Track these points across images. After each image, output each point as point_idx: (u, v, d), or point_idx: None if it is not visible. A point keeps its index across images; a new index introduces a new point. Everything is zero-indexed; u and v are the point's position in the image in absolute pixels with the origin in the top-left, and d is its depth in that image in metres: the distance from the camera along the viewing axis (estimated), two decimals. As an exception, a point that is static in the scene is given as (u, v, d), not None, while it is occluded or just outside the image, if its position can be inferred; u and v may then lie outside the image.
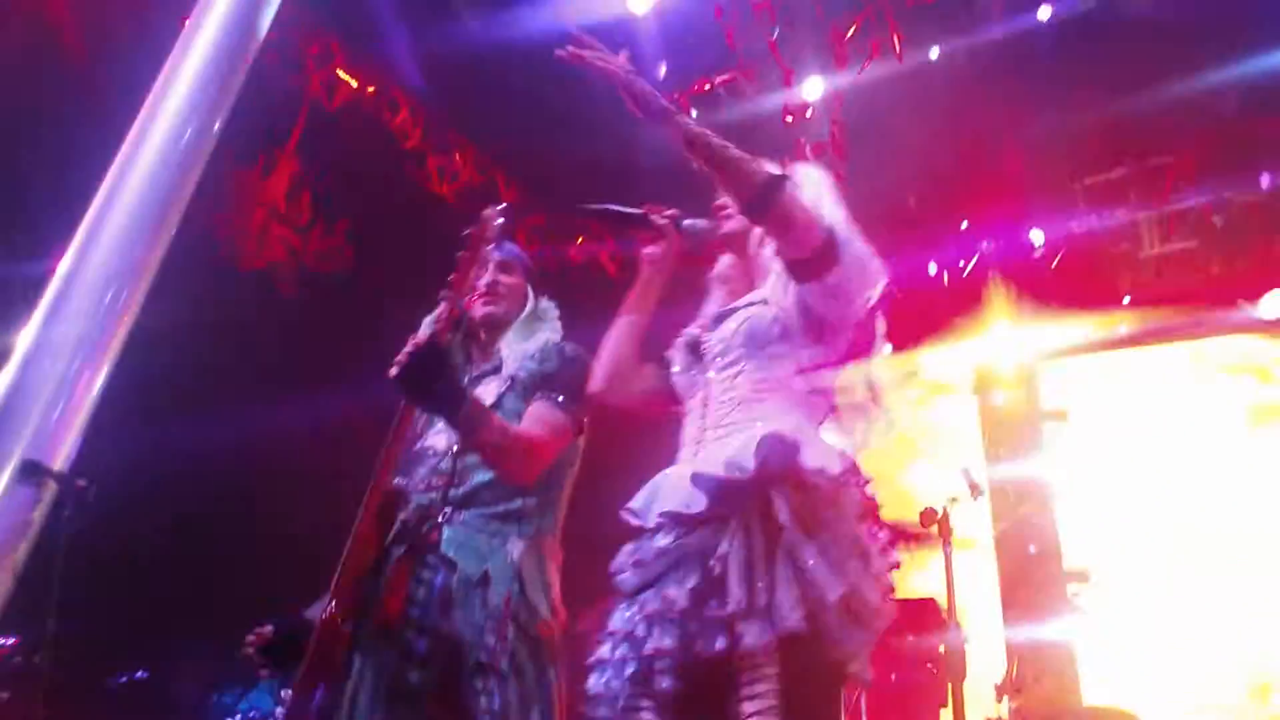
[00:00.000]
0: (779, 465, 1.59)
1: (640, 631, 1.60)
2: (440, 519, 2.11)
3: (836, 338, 1.79)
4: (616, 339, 1.94)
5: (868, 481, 1.70)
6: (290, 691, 2.03)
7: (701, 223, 2.02)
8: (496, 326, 2.39)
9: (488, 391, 2.24)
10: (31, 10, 4.72)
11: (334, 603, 1.99)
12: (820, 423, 1.79)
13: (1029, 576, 7.05)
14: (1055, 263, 7.14)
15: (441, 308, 2.04)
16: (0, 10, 4.62)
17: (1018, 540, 7.26)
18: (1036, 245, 7.03)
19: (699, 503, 1.61)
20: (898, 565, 1.68)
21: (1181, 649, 6.25)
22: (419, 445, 2.30)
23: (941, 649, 5.66)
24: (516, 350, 2.30)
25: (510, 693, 1.95)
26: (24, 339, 3.30)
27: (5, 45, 4.55)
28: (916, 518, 3.60)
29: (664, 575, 1.61)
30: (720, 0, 5.52)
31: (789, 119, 6.25)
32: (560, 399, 2.15)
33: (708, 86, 6.08)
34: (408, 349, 1.98)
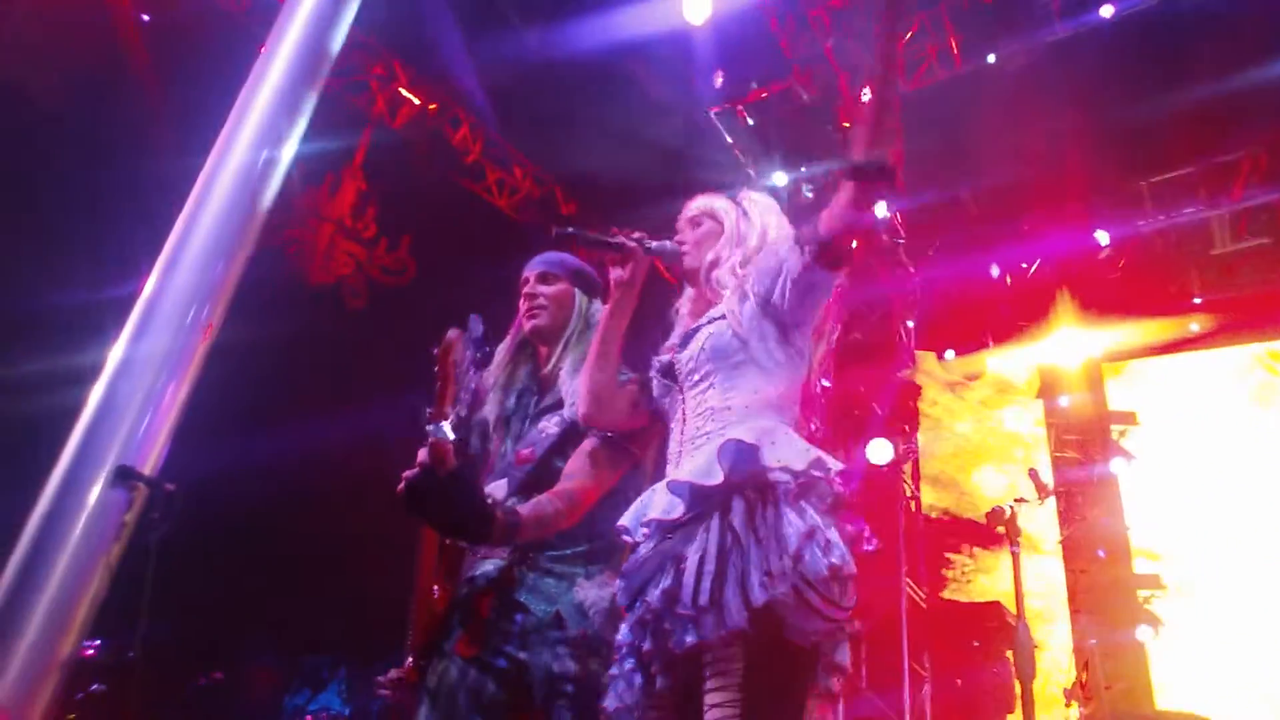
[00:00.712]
0: (742, 468, 1.67)
1: (638, 640, 1.69)
2: (512, 565, 2.15)
3: (792, 341, 1.88)
4: (592, 364, 1.98)
5: (838, 473, 1.74)
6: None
7: (668, 244, 2.04)
8: (549, 338, 2.35)
9: (542, 436, 2.23)
10: (113, 42, 4.96)
11: (411, 659, 2.16)
12: (794, 420, 1.85)
13: (1097, 581, 6.92)
14: (1121, 263, 7.00)
15: (430, 438, 1.86)
16: (84, 40, 4.86)
17: (1086, 544, 7.14)
18: (1102, 246, 6.89)
19: (676, 509, 1.70)
20: (873, 547, 1.73)
21: (1257, 655, 6.07)
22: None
23: (1009, 654, 5.60)
24: (573, 386, 2.20)
25: (584, 713, 2.00)
26: (114, 355, 3.48)
27: (90, 73, 4.79)
28: (983, 518, 3.59)
29: (647, 582, 1.71)
30: (776, 9, 5.54)
31: (846, 124, 6.24)
32: (608, 434, 2.09)
33: (764, 94, 6.11)
34: (412, 470, 1.84)
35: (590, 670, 2.03)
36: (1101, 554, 7.08)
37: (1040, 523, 7.30)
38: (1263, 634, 6.13)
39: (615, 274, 1.99)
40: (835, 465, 1.72)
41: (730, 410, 1.80)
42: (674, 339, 2.02)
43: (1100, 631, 5.36)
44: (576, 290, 2.38)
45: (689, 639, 1.57)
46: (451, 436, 1.85)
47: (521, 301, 2.36)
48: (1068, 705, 4.86)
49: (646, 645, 1.65)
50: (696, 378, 1.88)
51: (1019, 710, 4.14)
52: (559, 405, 2.26)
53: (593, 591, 2.13)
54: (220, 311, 3.77)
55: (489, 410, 2.36)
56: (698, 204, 2.09)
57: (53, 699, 2.96)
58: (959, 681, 6.76)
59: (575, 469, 2.10)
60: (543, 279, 2.38)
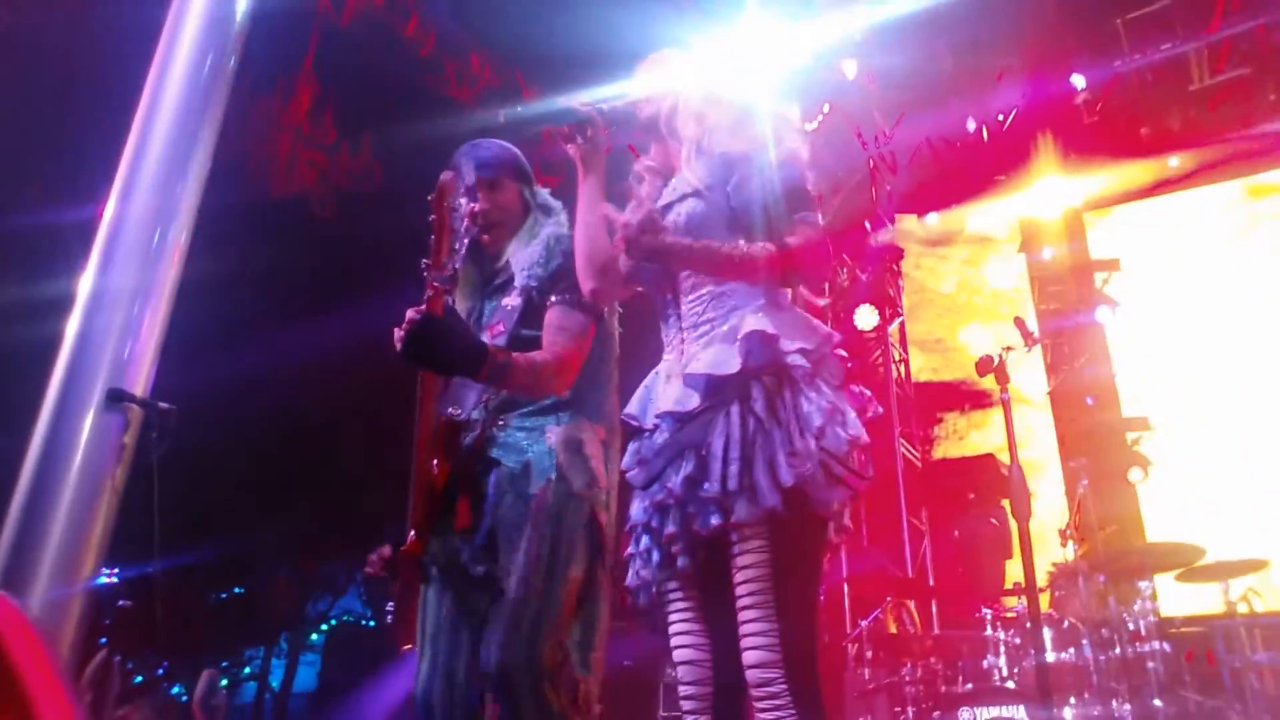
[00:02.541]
0: (761, 359, 1.72)
1: (655, 522, 1.77)
2: (485, 430, 2.26)
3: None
4: (587, 238, 1.96)
5: (841, 345, 1.81)
6: (392, 605, 2.28)
7: (620, 103, 2.00)
8: (501, 240, 2.41)
9: (505, 309, 2.30)
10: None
11: (413, 531, 2.22)
12: (787, 292, 1.86)
13: (1087, 428, 7.06)
14: (1099, 107, 6.86)
15: (429, 286, 2.02)
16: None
17: (1075, 393, 7.25)
18: (1078, 90, 6.73)
19: (691, 400, 1.73)
20: (878, 413, 1.82)
21: (1241, 485, 6.26)
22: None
23: (1005, 502, 5.76)
24: (522, 259, 2.32)
25: (541, 546, 2.12)
26: (84, 284, 3.42)
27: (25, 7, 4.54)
28: (973, 373, 3.65)
29: (665, 468, 1.76)
30: None
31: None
32: (570, 296, 2.17)
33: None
34: (405, 324, 1.99)
35: (544, 534, 2.13)
36: (1090, 401, 7.19)
37: (1029, 377, 7.40)
38: (1247, 465, 6.31)
39: (577, 146, 1.95)
40: (837, 336, 1.79)
41: (729, 296, 1.80)
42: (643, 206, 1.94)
43: (1092, 475, 5.49)
44: (520, 187, 2.43)
45: (714, 520, 1.66)
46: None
47: (470, 214, 2.32)
48: (1063, 545, 5.02)
49: (669, 528, 1.73)
50: None
51: (1017, 554, 4.30)
52: (512, 280, 2.34)
53: (561, 432, 2.22)
54: (186, 233, 3.70)
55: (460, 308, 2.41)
56: (652, 58, 2.06)
57: (80, 619, 3.05)
58: (956, 533, 7.00)
59: (551, 339, 2.20)
60: (490, 187, 2.39)
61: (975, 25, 6.17)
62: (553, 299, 2.23)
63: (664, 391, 1.81)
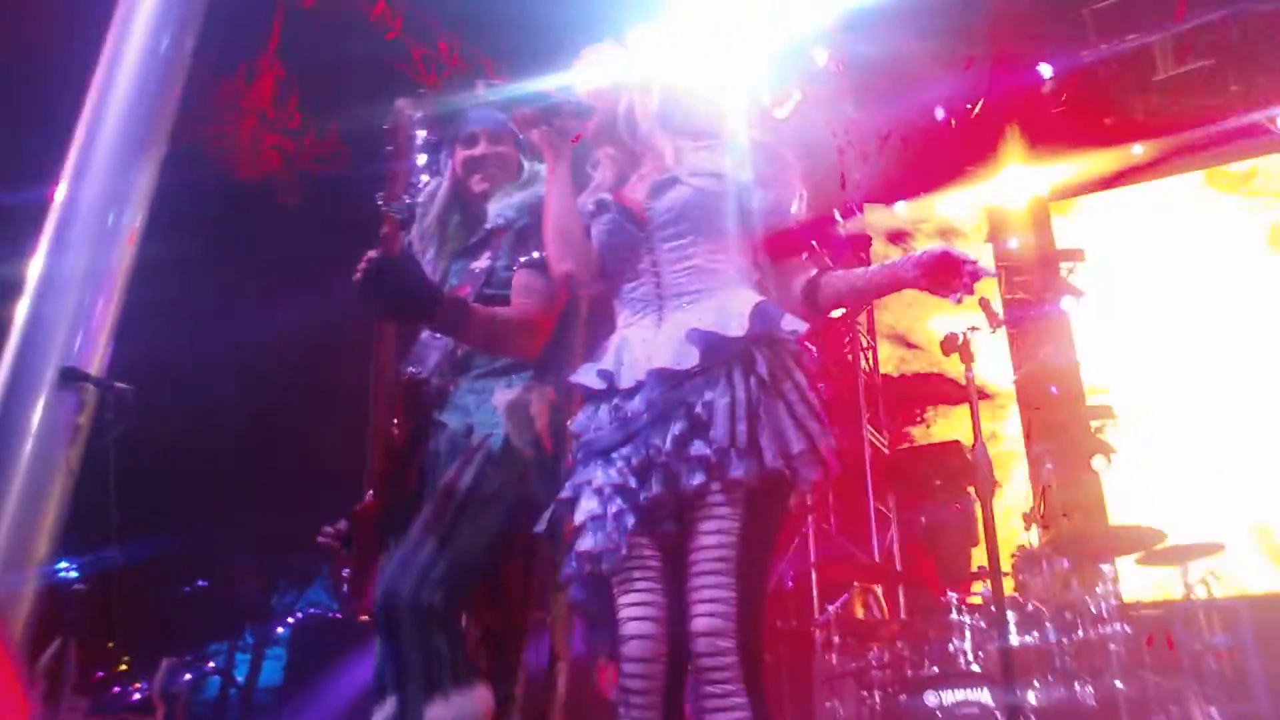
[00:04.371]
0: (764, 328, 1.74)
1: (632, 483, 1.71)
2: (439, 390, 2.23)
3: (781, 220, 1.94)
4: (560, 225, 1.93)
5: (816, 349, 1.86)
6: (348, 571, 2.21)
7: (581, 93, 1.96)
8: (488, 193, 2.37)
9: (473, 272, 2.26)
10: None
11: (370, 492, 2.19)
12: (761, 293, 1.88)
13: (1052, 417, 7.14)
14: (1065, 97, 6.92)
15: (385, 220, 1.97)
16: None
17: (1040, 382, 7.33)
18: (1045, 80, 6.79)
19: (690, 358, 1.71)
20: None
21: (1201, 471, 6.36)
22: (425, 334, 2.35)
23: (970, 489, 5.80)
24: (498, 206, 2.30)
25: (460, 478, 2.06)
26: (34, 268, 3.35)
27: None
28: (939, 357, 3.67)
29: (647, 428, 1.72)
30: None
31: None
32: (539, 257, 2.11)
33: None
34: (361, 264, 1.95)
35: (469, 469, 2.08)
36: (1054, 390, 7.27)
37: (995, 368, 7.47)
38: (1206, 451, 6.41)
39: (544, 132, 1.94)
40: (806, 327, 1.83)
41: (717, 273, 1.83)
42: (641, 184, 1.97)
43: (1057, 462, 5.55)
44: (520, 152, 2.41)
45: (699, 479, 1.64)
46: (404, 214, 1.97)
47: (465, 159, 2.34)
48: (1026, 529, 5.08)
49: (654, 489, 1.68)
50: (671, 231, 1.87)
51: (983, 540, 4.34)
52: (484, 241, 2.31)
53: (508, 395, 2.17)
54: (141, 215, 3.62)
55: (427, 263, 2.35)
56: (587, 53, 2.04)
57: (33, 606, 2.98)
58: (923, 519, 7.05)
59: (518, 299, 2.17)
60: (494, 139, 2.37)
61: (945, 14, 6.19)
62: (521, 260, 2.19)
63: (649, 351, 1.77)
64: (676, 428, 1.68)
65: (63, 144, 3.47)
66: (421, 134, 2.08)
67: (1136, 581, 5.61)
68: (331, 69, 5.91)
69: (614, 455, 1.74)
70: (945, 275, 1.77)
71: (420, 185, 2.12)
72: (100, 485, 3.08)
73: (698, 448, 1.65)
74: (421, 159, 2.08)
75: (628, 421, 1.74)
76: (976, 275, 1.77)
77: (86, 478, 3.12)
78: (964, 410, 7.01)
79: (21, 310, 3.26)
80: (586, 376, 1.86)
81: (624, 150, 2.01)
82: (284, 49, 5.82)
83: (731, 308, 1.75)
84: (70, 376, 3.08)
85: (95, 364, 3.30)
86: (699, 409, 1.67)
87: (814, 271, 1.91)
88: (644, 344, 1.80)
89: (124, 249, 3.50)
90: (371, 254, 1.95)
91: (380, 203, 1.97)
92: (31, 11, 4.38)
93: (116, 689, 5.67)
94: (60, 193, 3.48)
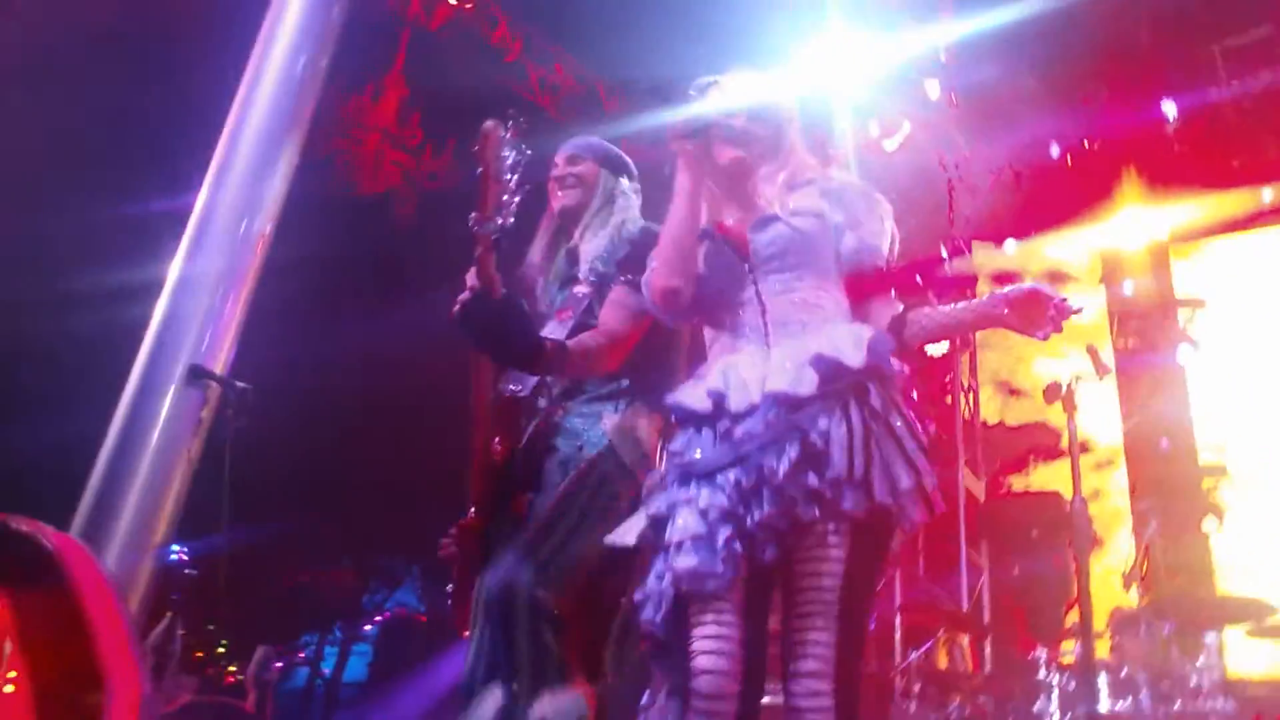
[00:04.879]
0: (878, 361, 1.73)
1: (740, 508, 1.66)
2: (548, 414, 2.29)
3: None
4: (678, 242, 1.89)
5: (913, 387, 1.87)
6: (451, 585, 2.32)
7: (735, 119, 1.92)
8: (575, 216, 2.46)
9: (576, 296, 2.34)
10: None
11: (473, 509, 2.26)
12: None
13: (1161, 472, 6.82)
14: (1190, 136, 6.64)
15: (478, 241, 1.97)
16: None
17: (1150, 435, 7.02)
18: (1169, 118, 6.53)
19: (809, 384, 1.70)
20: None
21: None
22: None
23: (1069, 544, 5.60)
24: (590, 249, 2.38)
25: (579, 488, 2.12)
26: (174, 270, 3.59)
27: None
28: (1041, 404, 3.57)
29: (758, 451, 1.68)
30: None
31: (896, 1, 5.96)
32: (635, 278, 2.09)
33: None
34: (462, 298, 1.97)
35: (585, 483, 2.14)
36: (1165, 444, 6.95)
37: (1103, 422, 7.18)
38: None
39: (689, 150, 1.90)
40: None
41: (823, 307, 1.84)
42: (747, 218, 1.96)
43: (1164, 521, 5.30)
44: (602, 170, 2.48)
45: (810, 512, 1.63)
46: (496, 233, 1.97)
47: (550, 184, 2.47)
48: (1125, 589, 4.86)
49: (766, 510, 1.64)
50: (776, 265, 1.87)
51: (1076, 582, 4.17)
52: (578, 276, 2.39)
53: (618, 419, 2.23)
54: (272, 224, 3.85)
55: (539, 297, 2.46)
56: (735, 76, 2.01)
57: (149, 585, 3.19)
58: (1016, 571, 6.82)
59: (608, 315, 2.23)
60: (570, 161, 2.49)
61: (1062, 48, 6.04)
62: (620, 279, 2.26)
63: (763, 374, 1.75)
64: (792, 453, 1.65)
65: (206, 156, 3.71)
66: (511, 154, 2.04)
67: (1243, 655, 5.30)
68: (453, 88, 6.15)
69: (719, 478, 1.70)
70: (1034, 313, 1.75)
71: (512, 205, 2.07)
72: (217, 477, 3.28)
73: (812, 479, 1.63)
74: (512, 179, 2.04)
75: (738, 444, 1.71)
76: (1064, 313, 1.74)
77: (205, 469, 3.33)
78: (1066, 462, 6.76)
79: (158, 310, 3.51)
80: (692, 397, 1.83)
81: (724, 182, 1.99)
82: (409, 68, 6.09)
83: (849, 337, 1.75)
84: (197, 374, 3.29)
85: (220, 362, 3.53)
86: (814, 436, 1.65)
87: (900, 308, 1.90)
88: (755, 367, 1.78)
89: (255, 254, 3.74)
90: (472, 283, 1.97)
91: (472, 224, 1.98)
92: (182, 34, 4.71)
93: (211, 670, 5.95)
94: (200, 200, 3.74)
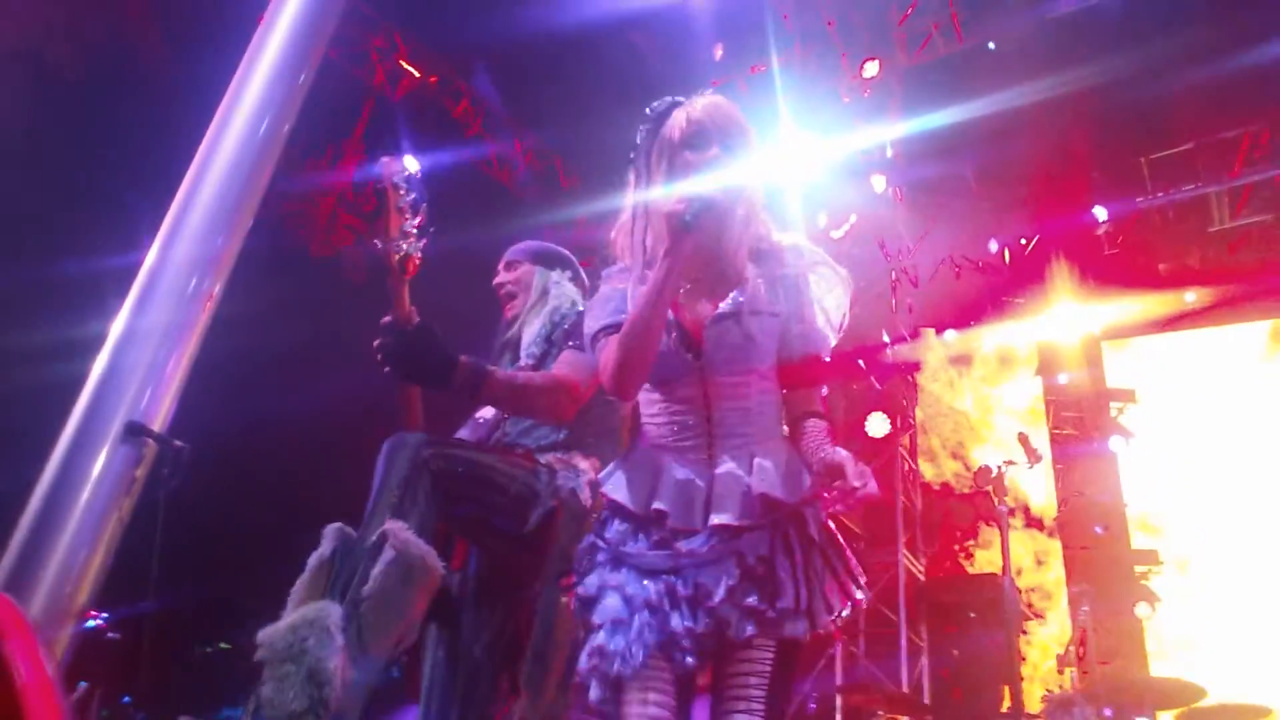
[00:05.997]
0: (812, 490, 1.77)
1: (667, 608, 1.73)
2: None
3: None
4: (653, 325, 1.77)
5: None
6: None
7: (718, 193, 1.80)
8: (517, 310, 2.67)
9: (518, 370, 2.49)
10: (112, 13, 4.98)
11: None
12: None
13: (1095, 557, 6.97)
14: (1120, 240, 7.00)
15: (389, 268, 2.17)
16: (82, 11, 4.88)
17: (1085, 521, 7.18)
18: (1100, 221, 6.89)
19: (750, 515, 1.75)
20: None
21: (1252, 628, 6.13)
22: (479, 414, 2.54)
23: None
24: (526, 336, 2.57)
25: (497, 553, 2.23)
26: (117, 325, 3.53)
27: (89, 47, 4.80)
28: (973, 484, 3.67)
29: (698, 568, 1.73)
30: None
31: (846, 100, 6.25)
32: (577, 344, 2.23)
33: (764, 68, 6.11)
34: (380, 338, 2.12)
35: (527, 521, 2.20)
36: (1099, 530, 7.12)
37: (1040, 501, 7.35)
38: (1259, 608, 6.19)
39: (679, 224, 1.76)
40: None
41: (765, 417, 1.85)
42: (696, 312, 1.87)
43: (1097, 607, 5.39)
44: (536, 268, 2.69)
45: (750, 630, 1.69)
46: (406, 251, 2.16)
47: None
48: (1060, 672, 4.92)
49: (698, 626, 1.70)
50: (731, 366, 1.83)
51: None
52: (518, 344, 2.58)
53: (554, 460, 2.30)
54: (221, 282, 3.83)
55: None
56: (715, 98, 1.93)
57: (69, 647, 3.05)
58: (955, 652, 6.85)
59: (557, 369, 2.35)
60: (508, 267, 2.72)
61: (1002, 151, 6.37)
62: (568, 344, 2.38)
63: (708, 499, 1.78)
64: (730, 578, 1.71)
65: (159, 215, 3.71)
66: (405, 183, 2.26)
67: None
68: (411, 156, 6.23)
69: (657, 577, 1.76)
70: (838, 478, 1.66)
71: (414, 233, 2.25)
72: (145, 541, 3.18)
73: (753, 601, 1.69)
74: (409, 207, 2.24)
75: (678, 555, 1.75)
76: (848, 496, 1.65)
77: (134, 531, 3.23)
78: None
79: (98, 364, 3.44)
80: (634, 501, 1.82)
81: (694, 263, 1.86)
82: (369, 135, 6.18)
83: (788, 467, 1.79)
84: (134, 431, 3.21)
85: (160, 420, 3.46)
86: (752, 561, 1.72)
87: (810, 420, 1.84)
88: (699, 489, 1.79)
89: (203, 312, 3.70)
90: (386, 320, 2.12)
91: (379, 247, 2.16)
92: (148, 93, 4.74)
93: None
94: (150, 257, 3.71)
